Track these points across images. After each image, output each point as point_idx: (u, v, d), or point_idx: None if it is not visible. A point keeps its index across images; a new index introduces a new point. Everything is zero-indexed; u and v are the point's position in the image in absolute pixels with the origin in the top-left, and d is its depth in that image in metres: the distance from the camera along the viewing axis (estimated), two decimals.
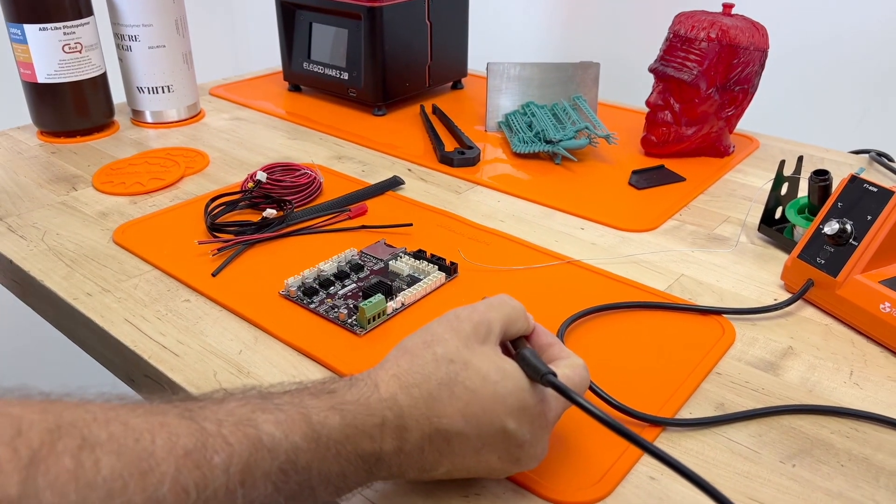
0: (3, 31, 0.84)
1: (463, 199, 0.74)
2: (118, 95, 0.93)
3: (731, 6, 0.80)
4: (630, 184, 0.77)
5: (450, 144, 0.87)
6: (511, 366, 0.37)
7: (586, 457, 0.42)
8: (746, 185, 0.78)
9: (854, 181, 0.56)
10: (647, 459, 0.42)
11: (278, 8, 1.02)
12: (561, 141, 0.82)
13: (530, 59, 0.93)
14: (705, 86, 0.78)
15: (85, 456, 0.27)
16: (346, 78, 0.98)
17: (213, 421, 0.31)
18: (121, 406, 0.31)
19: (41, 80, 0.84)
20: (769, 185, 0.66)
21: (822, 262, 0.55)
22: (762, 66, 0.80)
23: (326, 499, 0.34)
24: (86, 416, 0.29)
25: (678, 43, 0.79)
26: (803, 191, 0.67)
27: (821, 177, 0.61)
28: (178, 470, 0.29)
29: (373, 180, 0.77)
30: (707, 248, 0.65)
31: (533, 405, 0.37)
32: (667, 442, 0.43)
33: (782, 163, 0.65)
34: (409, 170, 0.81)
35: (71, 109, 0.87)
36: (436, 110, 0.98)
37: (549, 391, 0.38)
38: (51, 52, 0.82)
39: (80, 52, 0.84)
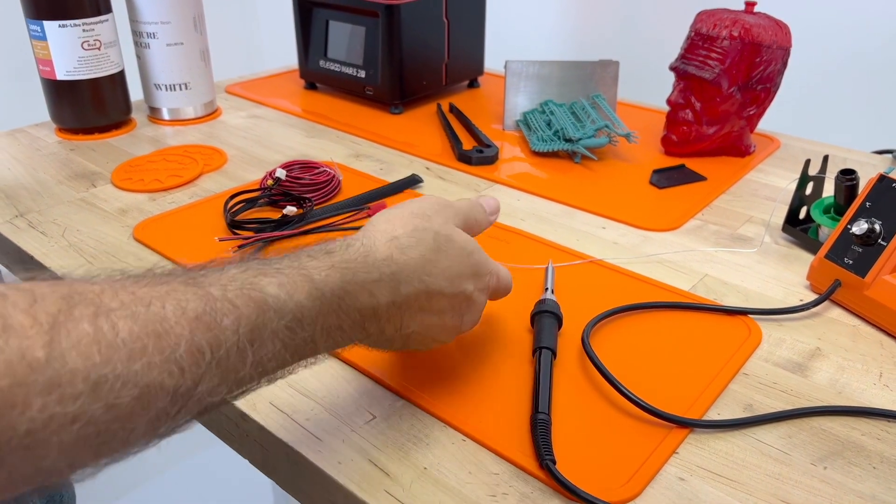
0: (23, 28, 0.84)
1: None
2: (135, 93, 0.93)
3: (753, 4, 0.79)
4: (651, 183, 0.77)
5: (467, 143, 0.86)
6: (474, 242, 0.45)
7: (615, 458, 0.41)
8: (768, 185, 0.77)
9: (883, 181, 0.55)
10: (675, 460, 0.41)
11: (295, 5, 1.01)
12: (581, 139, 0.81)
13: (548, 58, 0.92)
14: (727, 84, 0.78)
15: (102, 321, 0.27)
16: (363, 76, 0.97)
17: (217, 286, 0.32)
18: (125, 279, 0.31)
19: (60, 76, 0.84)
20: (792, 185, 0.65)
21: (850, 262, 0.54)
22: (785, 65, 0.79)
23: (323, 352, 0.38)
24: (94, 287, 0.29)
25: (700, 41, 0.79)
26: (828, 191, 0.66)
27: (847, 176, 0.60)
28: (191, 332, 0.30)
29: (391, 178, 0.76)
30: (731, 247, 0.64)
31: (486, 273, 0.46)
32: (695, 443, 0.42)
33: (807, 162, 0.64)
34: (427, 168, 0.81)
35: (89, 106, 0.87)
36: (453, 109, 0.98)
37: (502, 268, 0.48)
38: (70, 48, 0.82)
39: (98, 49, 0.84)
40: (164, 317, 0.29)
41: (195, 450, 1.67)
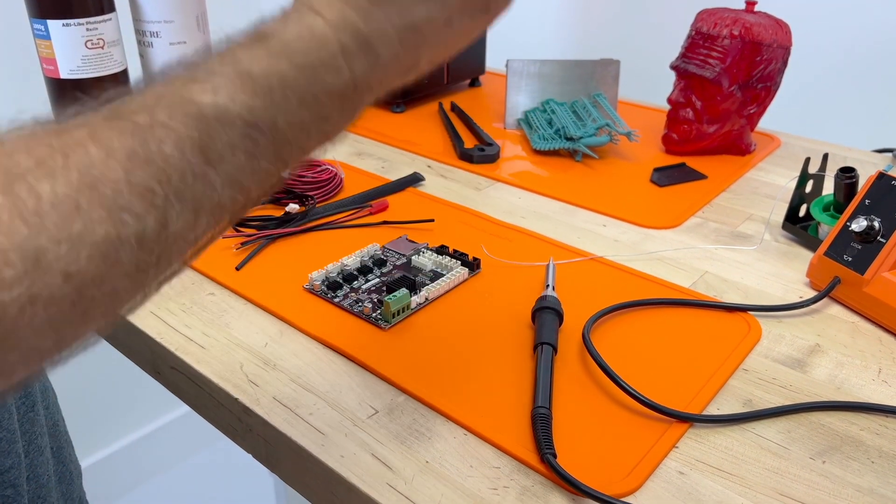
0: (27, 26, 0.85)
1: (483, 195, 0.74)
2: None
3: (754, 3, 0.79)
4: (651, 181, 0.77)
5: (469, 141, 0.87)
6: None
7: (615, 452, 0.41)
8: (768, 184, 0.77)
9: (882, 178, 0.56)
10: (675, 454, 0.42)
11: None
12: (582, 138, 0.81)
13: (549, 57, 0.93)
14: (727, 83, 0.78)
15: (19, 187, 0.24)
16: None
17: (143, 113, 0.27)
18: (37, 128, 0.27)
19: (64, 75, 0.84)
20: (792, 183, 0.66)
21: (850, 259, 0.55)
22: (785, 64, 0.80)
23: (318, 146, 0.32)
24: (1, 149, 0.25)
25: (700, 40, 0.79)
26: (827, 189, 0.66)
27: (847, 174, 0.60)
28: (128, 172, 0.26)
29: (393, 177, 0.77)
30: (731, 245, 0.64)
31: None
32: (695, 437, 0.43)
33: (807, 160, 0.64)
34: (429, 166, 0.81)
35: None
36: (454, 107, 0.98)
37: None
38: (73, 47, 0.83)
39: (102, 47, 0.84)
40: (89, 164, 0.25)
41: (198, 448, 1.68)
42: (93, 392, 1.49)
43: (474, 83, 1.10)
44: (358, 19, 0.32)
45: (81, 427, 1.42)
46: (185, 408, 1.66)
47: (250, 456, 0.48)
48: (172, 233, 0.27)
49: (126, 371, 1.08)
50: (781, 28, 0.78)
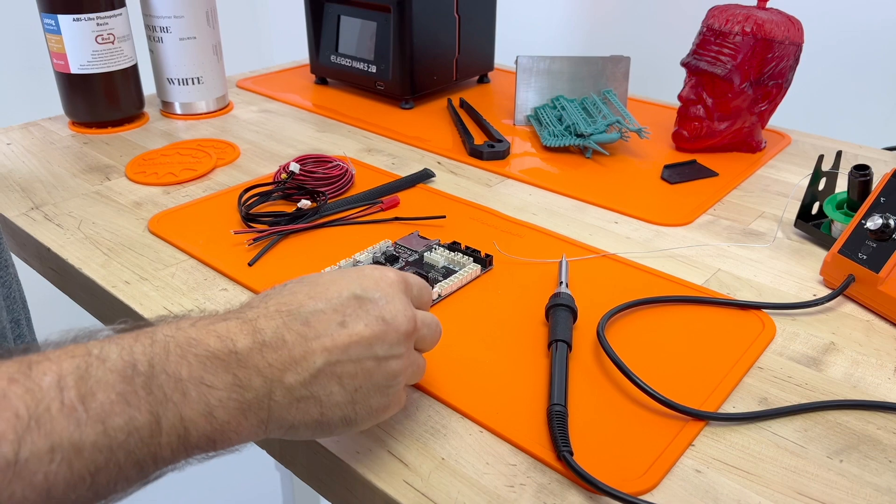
0: (37, 22, 0.85)
1: (494, 192, 0.74)
2: (148, 87, 0.93)
3: (765, 0, 0.79)
4: (662, 178, 0.77)
5: (478, 138, 0.87)
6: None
7: (631, 450, 0.41)
8: (780, 181, 0.77)
9: None
10: (692, 452, 0.42)
11: (306, 1, 1.02)
12: (592, 135, 0.81)
13: (558, 53, 0.92)
14: (739, 80, 0.78)
15: None
16: (374, 71, 0.98)
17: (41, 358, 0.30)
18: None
19: (74, 70, 0.84)
20: (804, 181, 0.66)
21: (864, 257, 0.55)
22: (797, 61, 0.80)
23: (194, 423, 0.32)
24: None
25: (712, 37, 0.79)
26: (840, 187, 0.66)
27: (861, 172, 0.60)
28: (3, 395, 0.28)
29: (403, 173, 0.77)
30: (743, 243, 0.64)
31: (370, 272, 0.39)
32: (711, 436, 0.43)
33: (821, 157, 0.64)
34: (439, 163, 0.81)
35: (103, 100, 0.87)
36: (463, 104, 0.98)
37: (388, 270, 0.40)
38: (84, 42, 0.83)
39: (112, 42, 0.84)
40: None
41: None
42: None
43: (483, 79, 1.10)
44: (248, 316, 0.35)
45: None
46: None
47: (257, 451, 0.48)
48: (20, 460, 0.27)
49: None
50: (793, 25, 0.78)
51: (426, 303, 0.42)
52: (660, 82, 0.99)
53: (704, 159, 0.81)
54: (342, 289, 0.37)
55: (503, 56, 1.12)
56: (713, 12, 0.80)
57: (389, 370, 0.37)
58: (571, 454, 0.40)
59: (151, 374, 0.31)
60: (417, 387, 0.46)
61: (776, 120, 0.87)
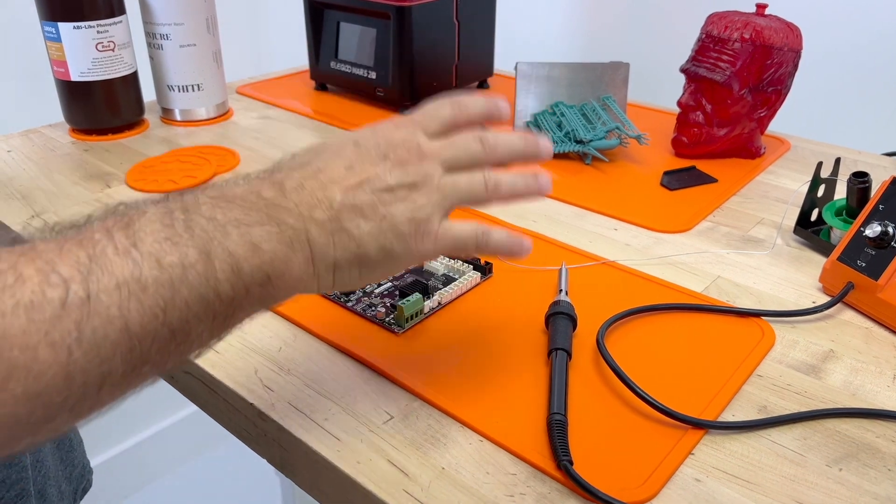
0: (38, 29, 0.85)
1: None
2: (148, 93, 0.94)
3: (764, 6, 0.79)
4: (662, 185, 0.77)
5: None
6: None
7: (631, 459, 0.41)
8: (779, 187, 0.77)
9: None
10: (691, 461, 0.42)
11: (306, 7, 1.02)
12: (592, 141, 0.81)
13: (556, 60, 0.92)
14: (738, 86, 0.78)
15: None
16: (374, 77, 0.98)
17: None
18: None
19: (74, 78, 0.84)
20: (804, 188, 0.66)
21: (863, 264, 0.55)
22: (796, 67, 0.80)
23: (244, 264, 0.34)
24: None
25: (711, 43, 0.79)
26: (839, 193, 0.66)
27: (860, 179, 0.60)
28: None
29: None
30: (743, 249, 0.64)
31: (366, 128, 0.42)
32: (711, 444, 0.43)
33: (820, 164, 0.64)
34: None
35: (103, 107, 0.87)
36: None
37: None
38: (84, 50, 0.83)
39: (112, 50, 0.85)
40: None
41: (204, 448, 1.68)
42: None
43: (482, 85, 1.10)
44: (266, 175, 0.38)
45: (88, 427, 1.42)
46: (191, 408, 1.66)
47: (257, 457, 0.48)
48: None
49: None
50: (792, 31, 0.78)
51: (447, 123, 0.42)
52: (659, 88, 0.99)
53: (703, 165, 0.81)
54: (342, 142, 0.40)
55: (502, 62, 1.12)
56: (712, 19, 0.80)
57: (405, 196, 0.39)
58: (571, 463, 0.40)
59: (189, 218, 0.33)
60: (416, 394, 0.46)
61: (775, 126, 0.88)
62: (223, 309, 0.33)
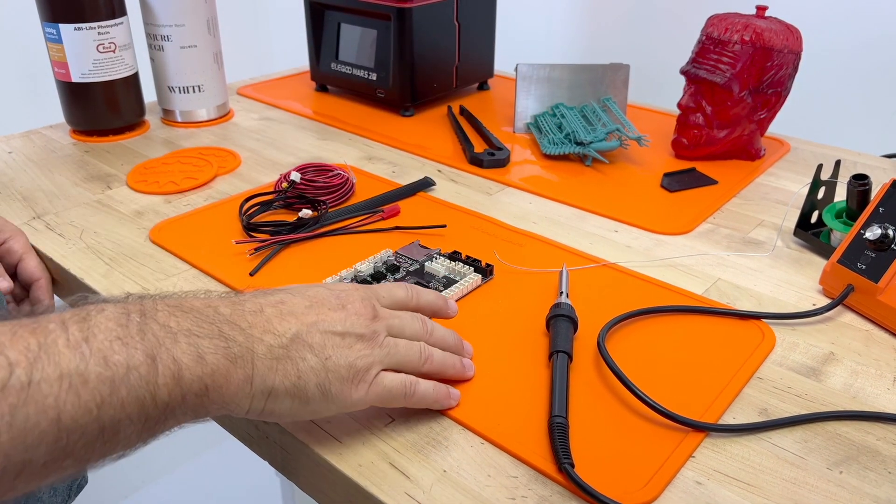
0: (38, 30, 0.85)
1: (494, 200, 0.74)
2: (148, 95, 0.94)
3: (764, 8, 0.79)
4: (662, 186, 0.77)
5: (479, 145, 0.87)
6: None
7: (632, 461, 0.42)
8: (779, 189, 0.77)
9: None
10: (692, 464, 0.42)
11: (307, 8, 1.02)
12: (592, 143, 0.81)
13: (557, 61, 0.93)
14: (738, 88, 0.78)
15: None
16: (375, 78, 0.98)
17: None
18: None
19: (75, 79, 0.84)
20: (804, 190, 0.66)
21: (863, 267, 0.55)
22: (796, 69, 0.80)
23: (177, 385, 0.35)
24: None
25: (711, 45, 0.79)
26: (839, 195, 0.66)
27: (860, 181, 0.60)
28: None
29: (403, 181, 0.77)
30: (743, 251, 0.64)
31: (339, 285, 0.45)
32: (712, 447, 0.43)
33: (820, 166, 0.64)
34: (439, 171, 0.81)
35: (104, 108, 0.87)
36: (463, 111, 0.98)
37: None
38: (85, 51, 0.83)
39: (113, 51, 0.85)
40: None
41: (203, 449, 1.68)
42: None
43: (482, 86, 1.10)
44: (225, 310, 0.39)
45: None
46: None
47: (257, 458, 0.48)
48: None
49: None
50: (792, 34, 0.78)
51: (399, 302, 0.47)
52: (659, 90, 0.99)
53: (703, 167, 0.82)
54: (309, 285, 0.44)
55: (502, 63, 1.12)
56: (712, 21, 0.80)
57: (351, 344, 0.41)
58: (573, 466, 0.40)
59: (144, 322, 0.35)
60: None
61: (774, 127, 0.88)
62: (156, 414, 0.34)
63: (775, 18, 0.79)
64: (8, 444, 0.29)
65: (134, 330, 0.34)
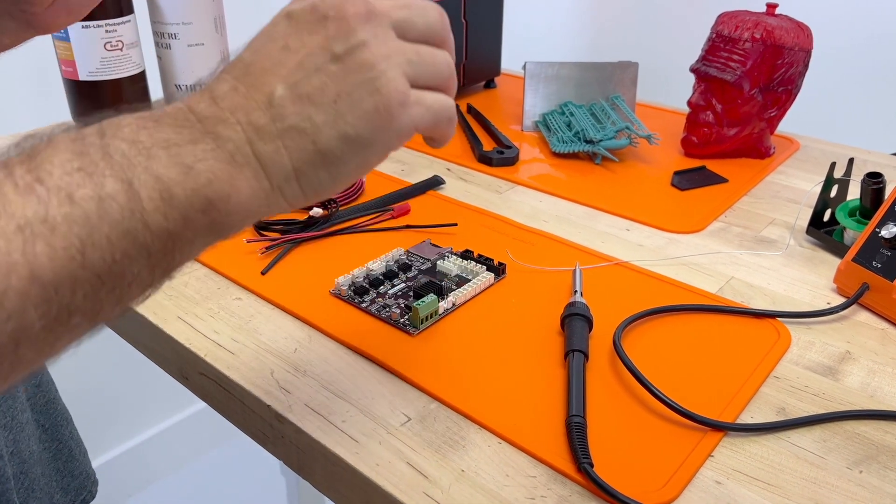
0: None
1: (504, 199, 0.74)
2: (155, 93, 0.93)
3: (775, 6, 0.79)
4: (673, 185, 0.77)
5: (487, 144, 0.87)
6: None
7: (651, 461, 0.41)
8: (789, 187, 0.77)
9: None
10: (711, 463, 0.41)
11: None
12: (601, 141, 0.81)
13: (564, 59, 0.92)
14: (748, 86, 0.78)
15: None
16: None
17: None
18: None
19: (83, 77, 0.84)
20: (816, 188, 0.66)
21: (879, 265, 0.54)
22: (806, 67, 0.80)
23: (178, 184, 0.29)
24: None
25: (721, 43, 0.79)
26: (852, 194, 0.66)
27: (875, 179, 0.60)
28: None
29: (413, 180, 0.77)
30: (756, 250, 0.64)
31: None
32: (730, 447, 0.43)
33: (833, 164, 0.64)
34: (448, 169, 0.81)
35: (111, 107, 0.87)
36: (471, 109, 0.98)
37: None
38: (93, 49, 0.83)
39: (121, 49, 0.84)
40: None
41: (208, 447, 1.68)
42: (102, 391, 1.49)
43: (489, 85, 1.10)
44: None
45: (92, 426, 1.42)
46: (193, 409, 1.66)
47: (261, 457, 0.48)
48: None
49: (152, 374, 1.08)
50: (803, 31, 0.78)
51: None
52: (667, 88, 0.99)
53: (713, 165, 0.81)
54: (274, 19, 0.34)
55: (509, 61, 1.12)
56: (723, 18, 0.80)
57: (360, 61, 0.32)
58: (592, 466, 0.40)
59: (106, 144, 0.28)
60: (433, 396, 0.46)
61: (783, 125, 0.87)
62: (159, 244, 0.29)
63: (786, 16, 0.79)
64: None
65: (97, 154, 0.28)
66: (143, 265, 0.29)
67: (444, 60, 0.35)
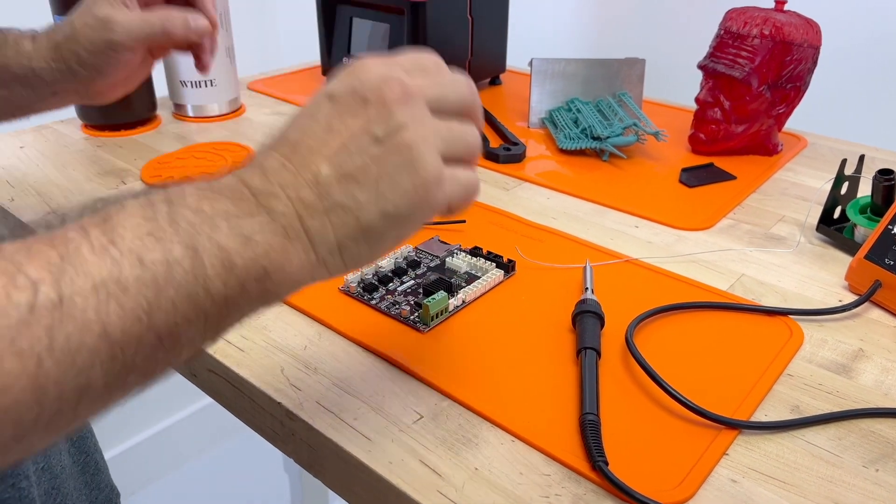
0: (49, 23, 0.84)
1: (512, 195, 0.74)
2: (160, 89, 0.93)
3: (783, 2, 0.79)
4: (681, 181, 0.76)
5: (494, 141, 0.86)
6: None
7: (665, 459, 0.41)
8: (798, 184, 0.77)
9: None
10: (726, 462, 0.41)
11: (319, 2, 1.01)
12: (609, 137, 0.81)
13: (570, 55, 0.92)
14: (757, 83, 0.77)
15: None
16: None
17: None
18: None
19: None
20: (826, 185, 0.65)
21: (892, 263, 0.54)
22: (815, 64, 0.79)
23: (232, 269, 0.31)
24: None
25: (730, 39, 0.78)
26: (863, 191, 0.65)
27: (886, 176, 0.60)
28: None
29: None
30: (766, 247, 0.64)
31: (340, 75, 0.36)
32: (745, 444, 0.42)
33: (844, 161, 0.64)
34: None
35: (115, 103, 0.86)
36: None
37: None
38: None
39: None
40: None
41: (211, 443, 1.68)
42: None
43: (495, 81, 1.09)
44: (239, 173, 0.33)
45: (96, 424, 1.42)
46: (197, 405, 1.66)
47: (264, 454, 0.48)
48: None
49: None
50: (812, 28, 0.77)
51: (426, 69, 0.37)
52: (674, 85, 0.98)
53: (721, 162, 0.81)
54: (316, 100, 0.35)
55: (514, 58, 1.11)
56: (731, 14, 0.79)
57: (399, 143, 0.34)
58: (607, 464, 0.39)
59: (173, 211, 0.30)
60: (445, 394, 0.46)
61: (792, 122, 0.87)
62: (215, 310, 0.30)
63: (794, 12, 0.78)
64: (56, 371, 0.26)
65: (164, 221, 0.29)
66: (198, 329, 0.30)
67: (473, 134, 0.37)
